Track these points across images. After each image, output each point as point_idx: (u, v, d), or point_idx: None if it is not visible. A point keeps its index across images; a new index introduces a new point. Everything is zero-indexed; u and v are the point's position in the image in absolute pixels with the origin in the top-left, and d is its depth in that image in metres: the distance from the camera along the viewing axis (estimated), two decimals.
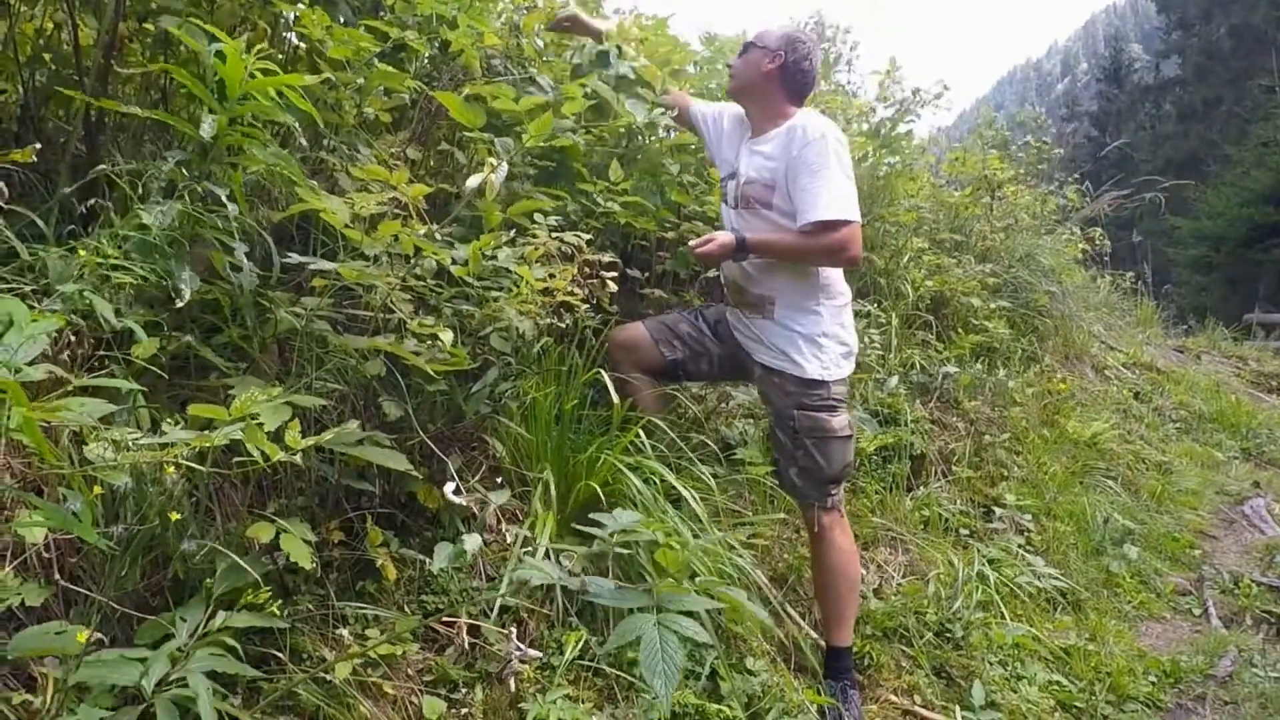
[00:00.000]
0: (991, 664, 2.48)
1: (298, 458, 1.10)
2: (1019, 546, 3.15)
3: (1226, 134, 20.22)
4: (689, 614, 1.20)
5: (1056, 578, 3.00)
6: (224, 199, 1.26)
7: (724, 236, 2.14)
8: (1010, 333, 4.46)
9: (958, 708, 2.29)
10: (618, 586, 1.26)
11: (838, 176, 2.05)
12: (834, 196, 2.03)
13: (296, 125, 1.36)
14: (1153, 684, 2.52)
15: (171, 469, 1.09)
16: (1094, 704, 2.37)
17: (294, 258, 1.49)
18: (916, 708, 2.29)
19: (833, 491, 2.24)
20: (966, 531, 3.16)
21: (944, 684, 2.41)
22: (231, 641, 1.32)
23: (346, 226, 1.41)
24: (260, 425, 1.05)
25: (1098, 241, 5.97)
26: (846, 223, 2.05)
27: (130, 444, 1.05)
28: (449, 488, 1.86)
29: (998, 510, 3.38)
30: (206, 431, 1.03)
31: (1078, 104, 35.02)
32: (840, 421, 2.22)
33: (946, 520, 3.14)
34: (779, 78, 2.19)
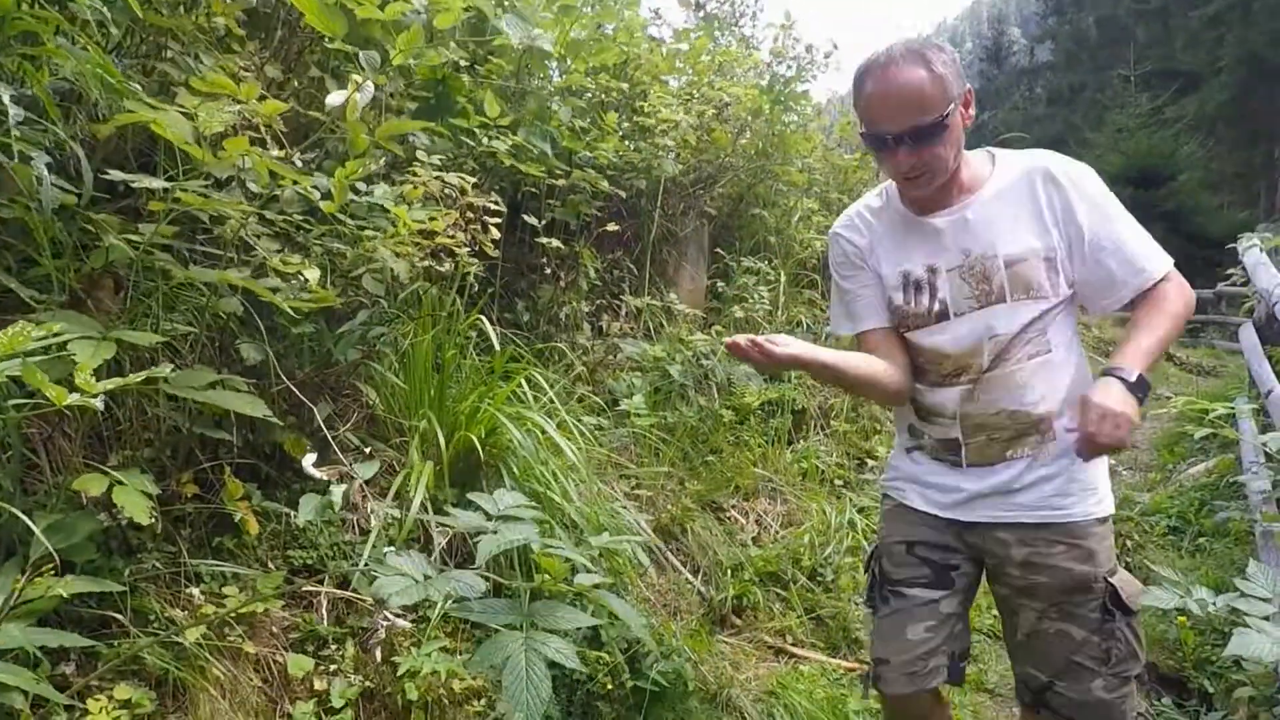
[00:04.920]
0: (857, 604, 2.64)
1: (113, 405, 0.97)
2: None
3: (1088, 119, 21.85)
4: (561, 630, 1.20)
5: None
6: (7, 100, 1.06)
7: (1125, 402, 1.25)
8: None
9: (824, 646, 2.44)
10: (486, 593, 1.24)
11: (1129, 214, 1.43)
12: (1152, 241, 1.41)
13: (107, 14, 1.17)
14: (995, 617, 2.77)
15: None
16: None
17: (116, 174, 1.31)
18: (788, 646, 2.43)
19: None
20: (841, 482, 3.33)
21: (814, 624, 2.56)
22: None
23: (187, 143, 1.25)
24: (57, 361, 0.92)
25: None
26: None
27: None
28: (308, 460, 1.75)
29: (870, 462, 3.58)
30: None
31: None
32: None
33: (823, 471, 3.29)
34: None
